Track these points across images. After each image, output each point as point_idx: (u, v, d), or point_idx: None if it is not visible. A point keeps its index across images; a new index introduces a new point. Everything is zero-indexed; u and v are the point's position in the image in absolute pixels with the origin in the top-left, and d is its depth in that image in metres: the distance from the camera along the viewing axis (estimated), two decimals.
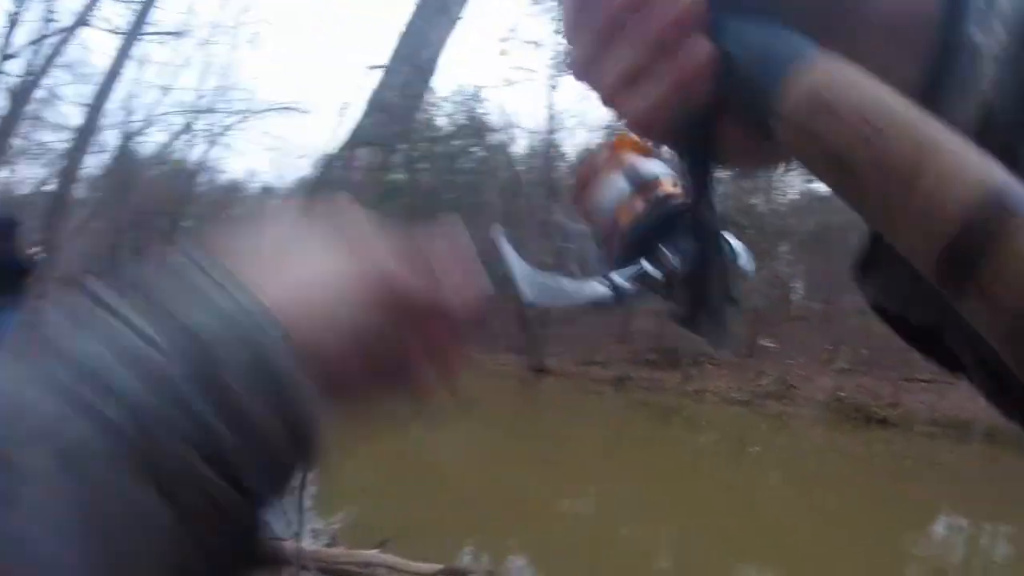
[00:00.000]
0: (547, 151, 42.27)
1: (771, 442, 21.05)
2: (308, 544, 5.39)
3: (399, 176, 47.45)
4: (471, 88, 45.81)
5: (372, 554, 5.24)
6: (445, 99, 45.62)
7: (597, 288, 0.58)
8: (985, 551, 10.95)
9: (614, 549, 8.24)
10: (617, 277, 0.59)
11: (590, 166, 0.67)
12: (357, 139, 4.23)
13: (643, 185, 0.63)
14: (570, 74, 0.41)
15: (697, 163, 0.40)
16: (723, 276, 0.52)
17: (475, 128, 45.08)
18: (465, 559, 6.55)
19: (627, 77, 0.38)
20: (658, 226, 0.60)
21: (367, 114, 4.25)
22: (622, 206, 0.62)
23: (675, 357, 32.73)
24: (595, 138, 43.34)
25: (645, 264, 0.59)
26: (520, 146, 48.07)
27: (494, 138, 44.80)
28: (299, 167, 45.99)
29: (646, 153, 0.65)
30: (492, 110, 47.42)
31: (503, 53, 40.58)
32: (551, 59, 37.78)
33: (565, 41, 0.42)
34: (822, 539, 9.58)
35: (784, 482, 15.40)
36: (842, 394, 29.12)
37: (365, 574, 5.16)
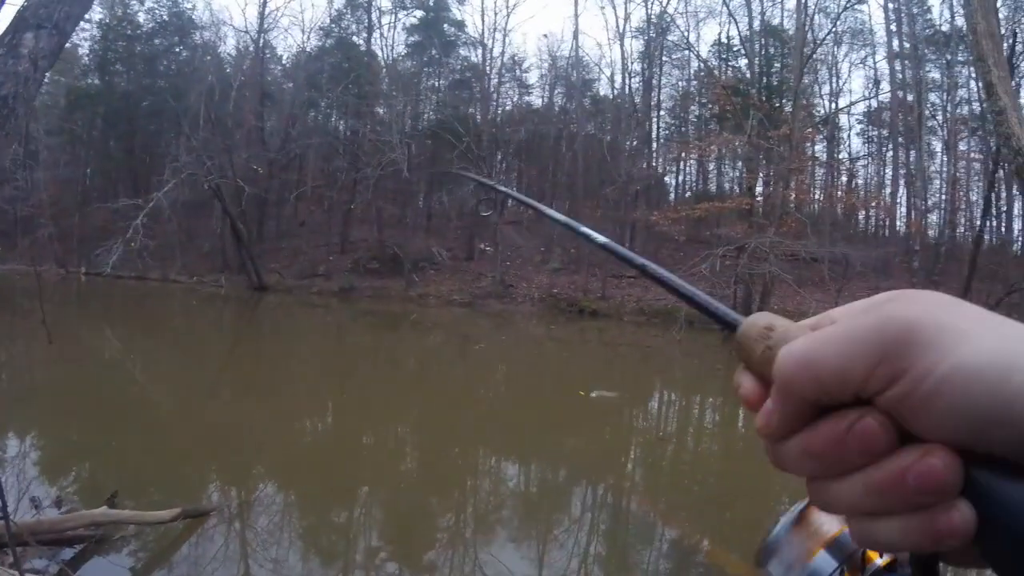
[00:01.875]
0: (258, 52, 40.54)
1: (494, 338, 21.99)
2: (27, 516, 4.77)
3: (92, 82, 41.71)
4: None
5: (100, 512, 4.71)
6: None
7: None
8: (689, 414, 12.30)
9: (353, 457, 8.11)
10: None
11: (789, 551, 0.68)
12: (22, 21, 3.23)
13: (852, 559, 0.63)
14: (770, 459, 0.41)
15: (922, 565, 0.39)
16: None
17: (179, 25, 41.29)
18: (211, 499, 5.99)
19: (861, 510, 0.37)
20: None
21: None
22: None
23: (397, 264, 33.25)
24: (312, 41, 41.17)
25: None
26: (229, 46, 44.35)
27: (199, 37, 41.66)
28: None
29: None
30: (197, 5, 42.81)
31: None
32: None
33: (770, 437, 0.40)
34: (545, 418, 10.16)
35: (508, 372, 16.17)
36: (555, 291, 31.35)
37: (95, 535, 4.68)
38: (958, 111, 30.39)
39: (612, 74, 41.60)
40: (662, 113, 41.45)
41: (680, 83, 41.53)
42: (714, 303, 0.49)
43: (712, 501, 7.11)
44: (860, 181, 38.26)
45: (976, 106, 28.71)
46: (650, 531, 6.00)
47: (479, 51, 39.01)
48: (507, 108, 42.48)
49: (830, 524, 0.65)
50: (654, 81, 39.02)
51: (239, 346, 16.93)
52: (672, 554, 5.68)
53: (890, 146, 35.34)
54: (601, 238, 0.64)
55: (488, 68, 38.78)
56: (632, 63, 38.25)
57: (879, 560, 0.62)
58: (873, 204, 33.68)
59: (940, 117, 32.56)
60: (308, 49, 40.93)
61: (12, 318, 14.16)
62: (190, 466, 6.83)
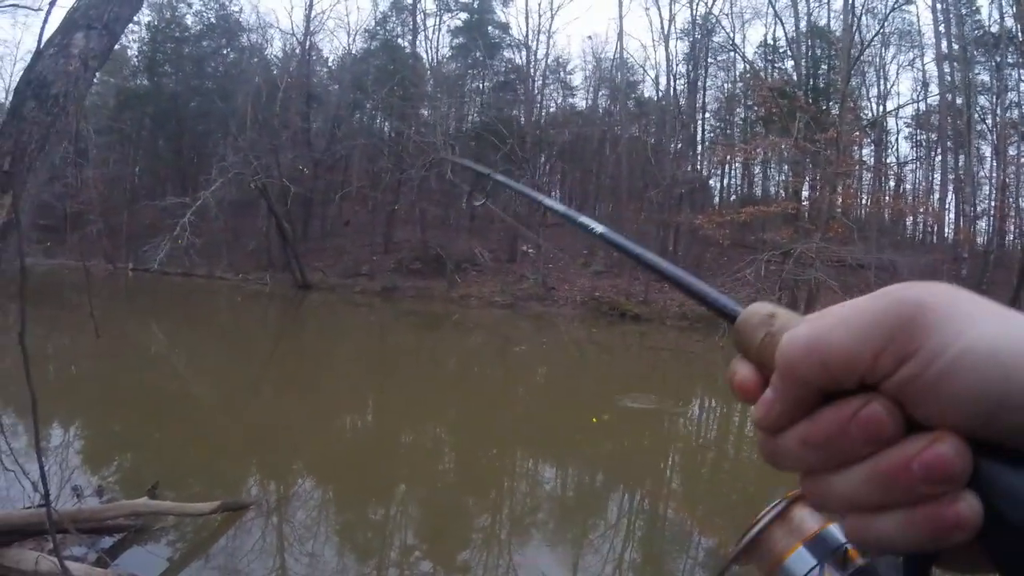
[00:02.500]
0: (305, 54, 41.22)
1: (534, 340, 21.96)
2: (68, 504, 4.87)
3: (141, 82, 42.77)
4: None
5: (141, 503, 4.80)
6: None
7: None
8: (730, 421, 12.12)
9: (391, 456, 8.16)
10: None
11: (768, 547, 0.65)
12: (72, 23, 3.31)
13: (833, 557, 0.61)
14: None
15: (916, 568, 0.37)
16: None
17: (226, 28, 42.03)
18: (250, 493, 6.09)
19: (860, 504, 0.36)
20: None
21: None
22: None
23: (440, 264, 33.40)
24: (358, 44, 41.71)
25: None
26: (275, 48, 45.13)
27: (246, 39, 42.17)
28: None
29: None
30: (244, 8, 43.56)
31: None
32: None
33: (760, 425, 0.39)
34: (583, 422, 10.09)
35: (548, 374, 16.12)
36: (597, 294, 31.23)
37: (135, 525, 4.78)
38: (1008, 115, 29.40)
39: (656, 76, 41.29)
40: (707, 115, 40.95)
41: (725, 85, 40.98)
42: (712, 292, 0.48)
43: (751, 507, 6.98)
44: (908, 186, 37.29)
45: None
46: (686, 538, 5.91)
47: (523, 53, 39.06)
48: (551, 110, 42.47)
49: (812, 520, 0.62)
50: (699, 83, 38.53)
51: (282, 343, 17.17)
52: (708, 562, 5.59)
53: (938, 150, 34.40)
54: (599, 227, 0.63)
55: (532, 70, 38.81)
56: (677, 65, 37.84)
57: (861, 560, 0.59)
58: (921, 210, 32.79)
59: (990, 121, 31.51)
60: (353, 51, 41.49)
61: (60, 312, 14.54)
62: (230, 460, 6.95)
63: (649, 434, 9.89)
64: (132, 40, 41.58)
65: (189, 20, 41.55)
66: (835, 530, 0.62)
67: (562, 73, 43.08)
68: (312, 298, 28.34)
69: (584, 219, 0.65)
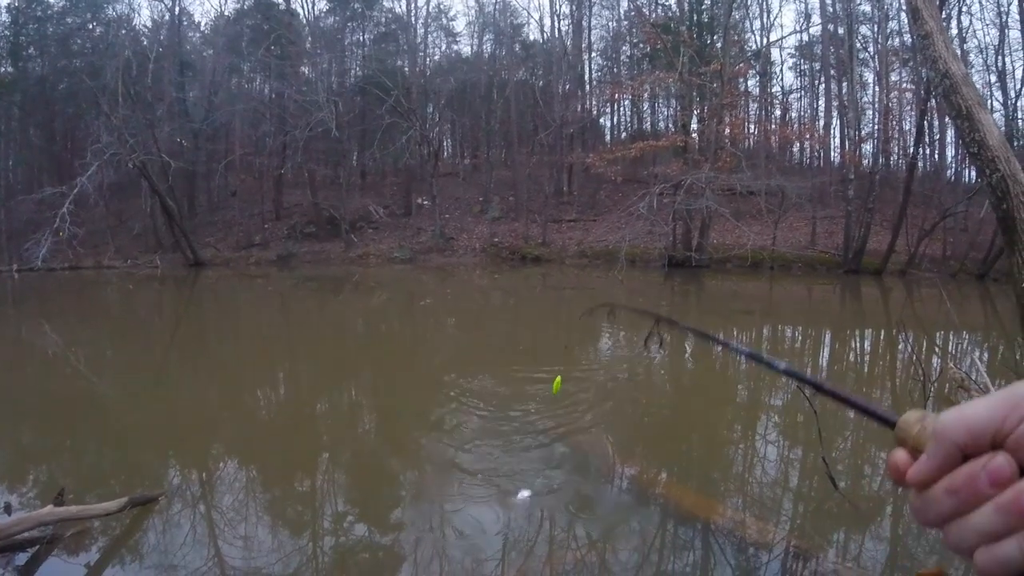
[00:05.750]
0: (175, 20, 38.72)
1: (439, 292, 21.94)
2: None
3: (5, 70, 39.17)
4: None
5: (47, 511, 4.57)
6: None
7: None
8: (638, 348, 12.49)
9: (312, 425, 8.11)
10: None
11: None
12: None
13: None
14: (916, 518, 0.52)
15: None
16: None
17: (91, 1, 38.26)
18: (172, 483, 5.89)
19: (988, 534, 0.47)
20: None
21: None
22: None
23: (334, 226, 32.70)
24: (230, 5, 39.16)
25: None
26: (143, 18, 42.14)
27: (112, 11, 39.10)
28: None
29: None
30: None
31: None
32: None
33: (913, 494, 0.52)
34: (498, 365, 10.22)
35: (458, 324, 16.18)
36: (497, 240, 31.60)
37: (45, 536, 4.55)
38: (889, 43, 30.87)
39: (541, 18, 41.34)
40: (594, 55, 41.26)
41: (610, 24, 41.29)
42: (871, 404, 0.59)
43: (670, 436, 7.29)
44: (794, 114, 38.87)
45: (907, 38, 29.21)
46: (610, 469, 6.09)
47: (403, 2, 38.07)
48: (435, 59, 41.80)
49: None
50: (584, 23, 38.64)
51: (181, 326, 16.53)
52: (632, 489, 5.81)
53: (822, 79, 35.86)
54: (782, 364, 0.72)
55: (413, 19, 37.96)
56: (560, 6, 37.91)
57: None
58: (807, 136, 34.28)
59: (871, 49, 33.07)
60: (226, 13, 39.26)
61: None
62: (146, 455, 6.67)
63: (565, 370, 10.08)
64: None
65: None
66: None
67: (444, 20, 42.40)
68: (206, 275, 27.27)
69: (768, 358, 0.73)
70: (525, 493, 5.32)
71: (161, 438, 7.15)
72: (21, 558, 4.40)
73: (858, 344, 13.80)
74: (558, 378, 6.90)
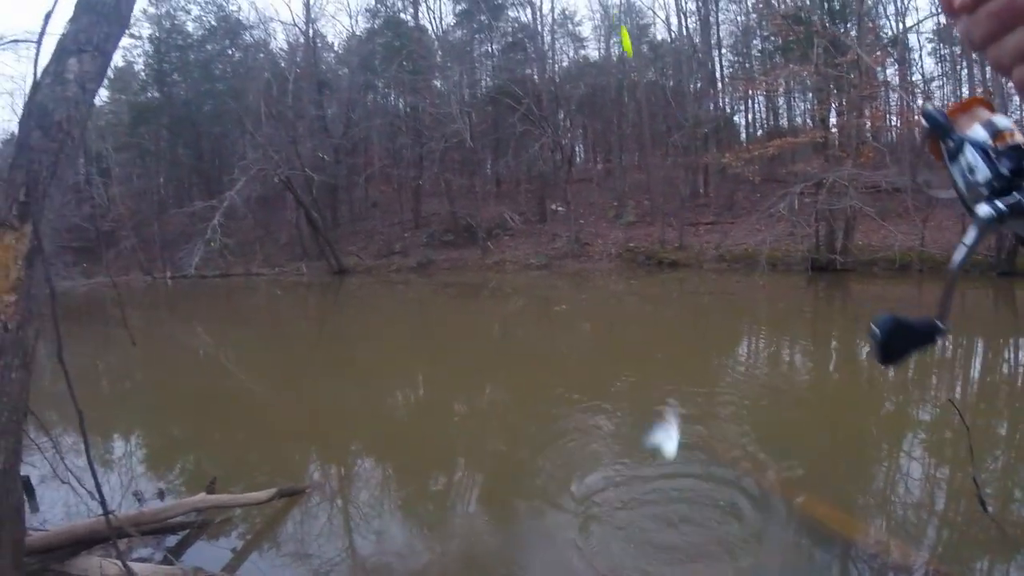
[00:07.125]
0: (309, 43, 40.85)
1: (574, 298, 21.94)
2: (129, 509, 4.98)
3: (152, 95, 42.99)
4: None
5: (199, 498, 4.94)
6: (189, 0, 41.54)
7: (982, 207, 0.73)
8: (783, 357, 12.03)
9: (448, 425, 8.28)
10: (999, 203, 0.73)
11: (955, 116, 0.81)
12: (64, 49, 3.35)
13: (998, 135, 0.76)
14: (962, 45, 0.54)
15: None
16: None
17: (227, 28, 41.67)
18: (312, 477, 6.27)
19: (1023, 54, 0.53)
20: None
21: (73, 19, 3.39)
22: (1000, 133, 0.76)
23: (471, 233, 33.42)
24: (360, 25, 41.25)
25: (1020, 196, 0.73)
26: (279, 41, 44.93)
27: (249, 36, 41.70)
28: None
29: (992, 110, 0.79)
30: (243, 6, 43.27)
31: None
32: None
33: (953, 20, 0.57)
34: (637, 373, 10.11)
35: (593, 331, 16.09)
36: (632, 244, 31.08)
37: (196, 522, 4.92)
38: None
39: (667, 16, 40.46)
40: (723, 51, 39.93)
41: (739, 18, 39.85)
42: None
43: (808, 446, 6.95)
44: (937, 103, 36.16)
45: None
46: (736, 480, 5.86)
47: (528, 10, 38.37)
48: (564, 65, 41.79)
49: (984, 114, 0.79)
50: (711, 19, 37.59)
51: (326, 329, 17.40)
52: (767, 503, 5.55)
53: (964, 64, 33.22)
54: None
55: (540, 26, 38.18)
56: (687, 3, 36.93)
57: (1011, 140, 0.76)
58: None
59: None
60: (358, 33, 41.14)
61: (106, 328, 14.91)
62: (290, 448, 7.08)
63: (704, 379, 9.82)
64: (137, 55, 42.31)
65: (190, 27, 41.33)
66: (997, 119, 0.78)
67: (571, 25, 42.33)
68: (350, 282, 28.62)
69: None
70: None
71: (304, 434, 7.57)
72: (171, 540, 4.76)
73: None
74: (625, 34, 6.63)
